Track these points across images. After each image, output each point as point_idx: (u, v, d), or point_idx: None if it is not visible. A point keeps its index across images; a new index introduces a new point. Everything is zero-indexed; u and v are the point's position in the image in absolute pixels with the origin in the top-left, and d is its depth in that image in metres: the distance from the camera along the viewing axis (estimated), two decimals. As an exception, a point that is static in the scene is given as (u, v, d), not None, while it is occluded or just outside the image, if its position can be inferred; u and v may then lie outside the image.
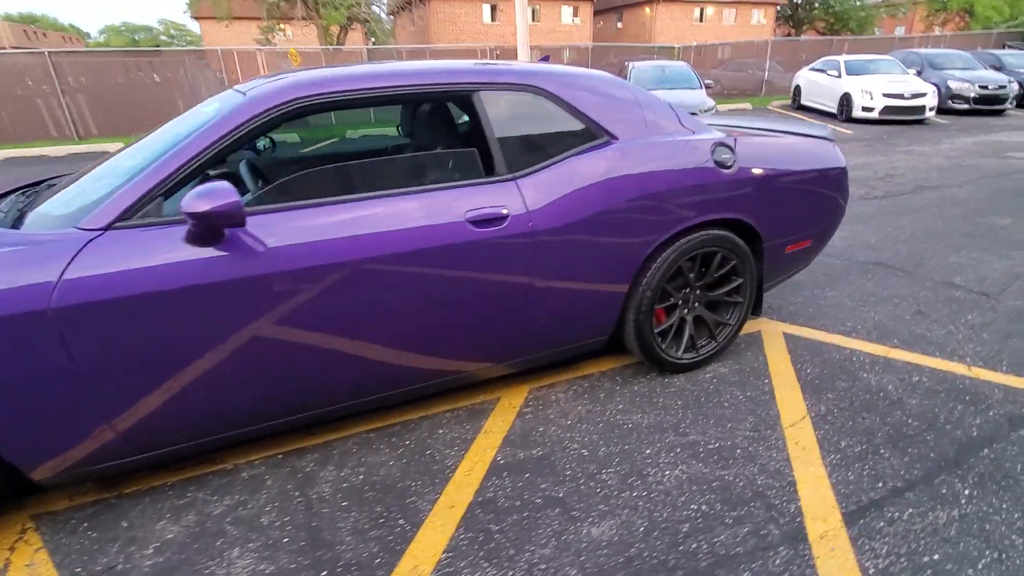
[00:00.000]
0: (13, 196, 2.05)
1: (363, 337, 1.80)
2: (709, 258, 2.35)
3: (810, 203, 2.52)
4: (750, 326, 2.91)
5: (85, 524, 1.78)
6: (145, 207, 1.57)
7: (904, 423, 2.09)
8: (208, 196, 1.42)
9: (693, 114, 8.66)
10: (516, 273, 1.94)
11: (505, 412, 2.27)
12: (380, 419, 2.24)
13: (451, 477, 1.91)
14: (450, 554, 1.60)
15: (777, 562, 1.54)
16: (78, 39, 72.71)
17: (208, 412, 1.71)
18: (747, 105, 14.41)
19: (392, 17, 36.16)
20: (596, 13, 34.53)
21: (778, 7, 33.14)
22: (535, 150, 2.02)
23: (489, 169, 1.97)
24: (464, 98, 1.96)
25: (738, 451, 1.98)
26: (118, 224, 1.54)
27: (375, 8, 28.16)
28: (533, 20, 30.87)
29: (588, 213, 2.00)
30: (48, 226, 1.57)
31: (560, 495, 1.81)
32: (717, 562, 1.54)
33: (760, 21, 33.20)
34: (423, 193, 1.82)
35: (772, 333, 2.84)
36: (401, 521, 1.73)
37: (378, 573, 1.55)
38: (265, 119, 1.69)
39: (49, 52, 11.61)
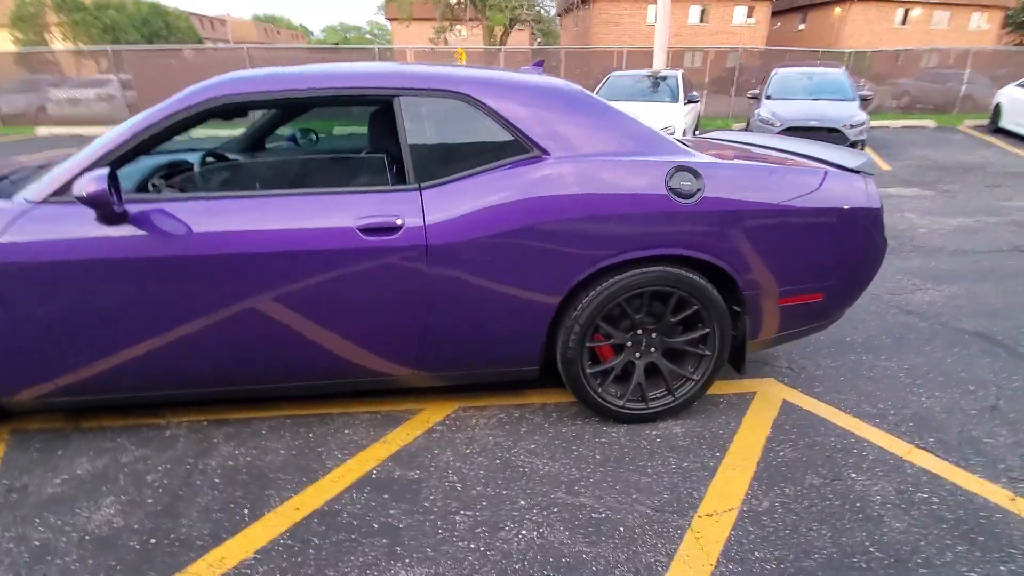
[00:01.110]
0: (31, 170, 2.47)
1: (249, 324, 1.87)
2: (664, 298, 2.02)
3: (817, 249, 2.03)
4: (748, 385, 2.45)
5: (37, 446, 2.11)
6: (76, 184, 1.79)
7: (862, 549, 1.59)
8: (84, 182, 1.58)
9: (833, 130, 7.58)
10: (408, 285, 1.86)
11: (417, 426, 2.20)
12: (306, 407, 2.31)
13: (317, 480, 1.90)
14: (258, 556, 1.59)
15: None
16: (303, 36, 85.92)
17: (117, 369, 1.91)
18: (930, 123, 12.05)
19: (559, 18, 36.87)
20: (775, 13, 31.47)
21: (1008, 11, 27.10)
22: (453, 160, 1.91)
23: (400, 177, 1.91)
24: (385, 103, 1.92)
25: (621, 529, 1.68)
26: (52, 199, 1.78)
27: (541, 10, 28.96)
28: (701, 21, 29.23)
29: (495, 233, 1.83)
30: (17, 197, 1.87)
31: (401, 526, 1.70)
32: (506, 650, 1.33)
33: (980, 26, 27.47)
34: (321, 196, 1.82)
35: (770, 397, 2.36)
36: (246, 511, 1.77)
37: (190, 555, 1.60)
38: (187, 114, 1.81)
39: (248, 48, 13.89)
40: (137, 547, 1.63)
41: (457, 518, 1.73)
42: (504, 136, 1.91)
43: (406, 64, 2.06)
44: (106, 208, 1.63)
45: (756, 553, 1.59)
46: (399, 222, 1.81)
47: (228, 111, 1.86)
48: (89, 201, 1.59)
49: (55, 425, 2.23)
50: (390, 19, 38.02)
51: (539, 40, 29.24)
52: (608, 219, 1.86)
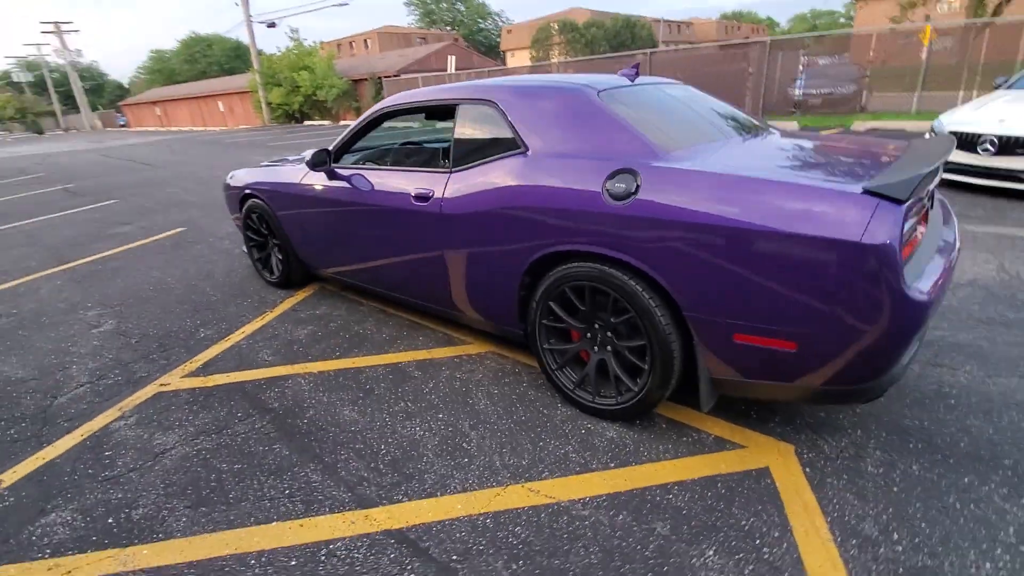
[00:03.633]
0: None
1: (369, 249, 3.01)
2: (603, 296, 2.06)
3: (777, 283, 1.62)
4: (745, 436, 2.06)
5: (368, 301, 3.92)
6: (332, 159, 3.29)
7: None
8: (309, 155, 2.99)
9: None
10: (432, 241, 2.59)
11: (456, 351, 2.92)
12: (420, 318, 3.35)
13: (377, 354, 2.93)
14: (319, 373, 2.76)
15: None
16: (764, 29, 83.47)
17: (341, 266, 3.41)
18: None
19: None
20: None
21: None
22: (476, 151, 2.47)
23: (446, 162, 2.61)
24: (453, 109, 2.62)
25: (466, 460, 2.04)
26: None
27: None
28: None
29: (476, 210, 2.34)
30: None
31: (375, 392, 2.55)
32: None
33: None
34: (404, 172, 2.75)
35: (751, 457, 1.95)
36: (337, 352, 2.97)
37: (300, 360, 2.91)
38: (372, 119, 3.03)
39: (651, 53, 15.26)
40: (295, 348, 3.07)
41: (400, 404, 2.46)
42: (509, 134, 2.34)
43: (475, 80, 2.69)
44: (319, 170, 3.04)
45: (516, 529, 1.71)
46: (431, 194, 2.56)
47: (388, 118, 2.98)
48: (309, 165, 3.03)
49: (334, 289, 4.01)
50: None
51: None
52: (551, 210, 2.08)
